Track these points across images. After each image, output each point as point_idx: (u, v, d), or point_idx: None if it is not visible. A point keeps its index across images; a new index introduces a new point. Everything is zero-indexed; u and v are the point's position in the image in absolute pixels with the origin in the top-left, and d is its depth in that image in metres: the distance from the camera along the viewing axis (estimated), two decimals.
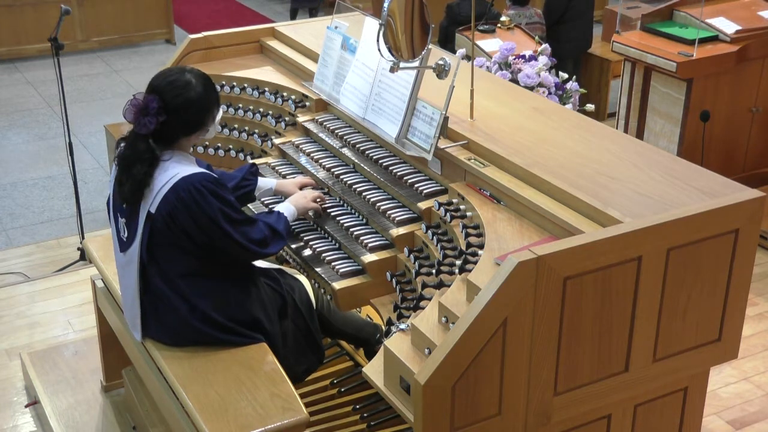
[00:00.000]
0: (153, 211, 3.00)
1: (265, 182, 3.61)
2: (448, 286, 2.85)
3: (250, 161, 4.02)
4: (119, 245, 3.17)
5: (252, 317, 3.17)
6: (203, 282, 3.09)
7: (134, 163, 3.01)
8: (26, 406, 4.15)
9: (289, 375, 3.12)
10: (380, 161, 3.57)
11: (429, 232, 3.18)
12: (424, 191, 3.34)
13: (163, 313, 3.12)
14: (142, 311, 3.15)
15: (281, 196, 3.65)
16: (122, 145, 3.08)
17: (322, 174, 3.73)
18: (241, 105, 4.29)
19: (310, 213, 3.55)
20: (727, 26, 5.69)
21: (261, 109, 4.26)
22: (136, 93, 3.02)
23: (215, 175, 3.08)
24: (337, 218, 3.49)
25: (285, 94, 4.21)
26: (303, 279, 3.44)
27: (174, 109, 3.00)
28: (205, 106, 3.08)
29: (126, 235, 3.11)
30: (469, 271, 2.79)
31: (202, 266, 3.08)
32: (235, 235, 3.04)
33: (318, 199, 3.52)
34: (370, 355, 3.62)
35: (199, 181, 2.99)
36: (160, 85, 3.03)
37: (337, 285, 3.23)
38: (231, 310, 3.13)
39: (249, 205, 3.69)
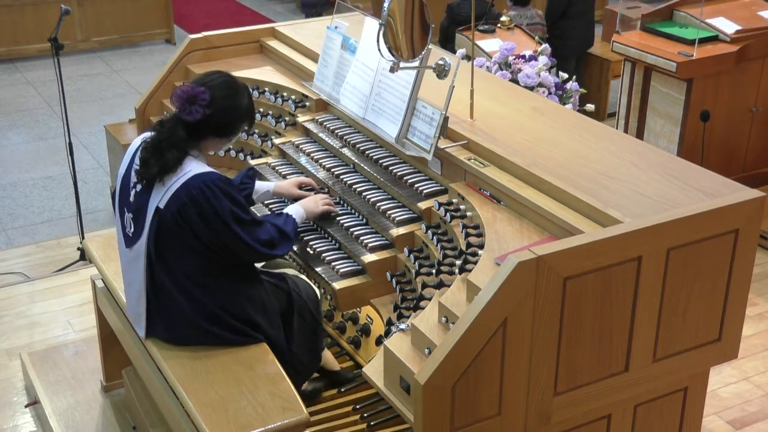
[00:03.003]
0: (162, 206, 3.00)
1: (262, 185, 3.61)
2: (448, 286, 2.85)
3: (250, 161, 4.03)
4: (125, 241, 3.17)
5: (254, 318, 3.17)
6: (209, 280, 3.08)
7: (170, 148, 3.02)
8: (26, 406, 4.14)
9: (302, 374, 3.13)
10: (380, 161, 3.57)
11: (429, 232, 3.18)
12: (424, 191, 3.34)
13: (168, 310, 3.11)
14: (148, 307, 3.14)
15: (280, 198, 3.65)
16: (157, 127, 3.09)
17: (322, 174, 3.73)
18: None
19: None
20: (727, 26, 5.69)
21: (261, 109, 4.26)
22: (188, 81, 3.05)
23: (225, 176, 3.10)
24: (337, 218, 3.49)
25: (285, 94, 4.21)
26: (312, 284, 3.45)
27: (220, 108, 3.06)
28: (244, 116, 3.17)
29: (132, 230, 3.11)
30: (469, 271, 2.79)
31: (208, 265, 3.08)
32: (244, 236, 3.04)
33: (327, 206, 3.52)
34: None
35: (212, 180, 3.00)
36: (215, 82, 3.09)
37: (337, 285, 3.23)
38: (235, 308, 3.12)
39: (252, 208, 3.69)
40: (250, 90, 3.21)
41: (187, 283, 3.06)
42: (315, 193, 3.59)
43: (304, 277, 3.46)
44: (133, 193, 3.10)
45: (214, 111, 3.04)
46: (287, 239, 3.23)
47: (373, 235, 3.36)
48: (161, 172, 3.01)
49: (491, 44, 5.93)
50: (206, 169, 3.05)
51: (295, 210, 3.39)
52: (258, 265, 3.35)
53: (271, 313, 3.22)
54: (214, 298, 3.08)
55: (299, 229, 3.55)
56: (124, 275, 3.25)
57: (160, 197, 3.00)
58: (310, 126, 3.99)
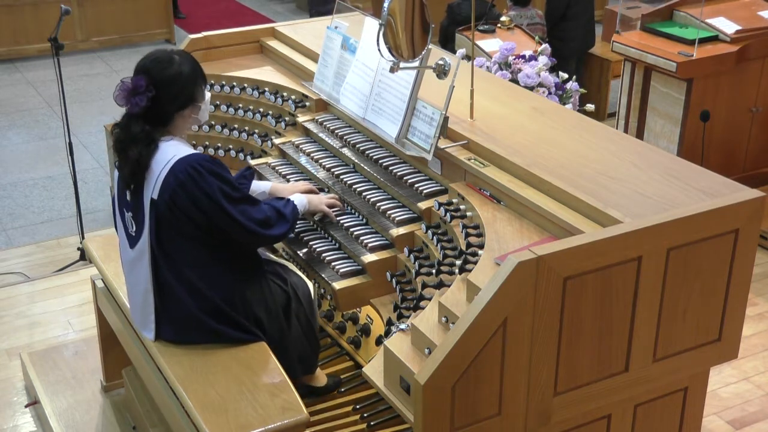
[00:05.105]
0: (155, 197, 3.00)
1: (259, 185, 3.59)
2: (448, 286, 2.85)
3: (250, 162, 4.02)
4: (128, 241, 3.16)
5: (256, 312, 3.17)
6: (211, 273, 3.08)
7: (129, 146, 3.02)
8: (26, 406, 4.15)
9: (291, 371, 3.13)
10: (380, 161, 3.57)
11: (429, 232, 3.18)
12: (424, 191, 3.34)
13: (174, 310, 3.11)
14: (155, 309, 3.13)
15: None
16: (116, 131, 3.08)
17: (322, 174, 3.73)
18: (241, 105, 4.29)
19: (316, 218, 3.54)
20: (727, 26, 5.69)
21: (261, 109, 4.26)
22: (123, 78, 3.04)
23: (211, 156, 3.08)
24: (337, 218, 3.49)
25: (285, 94, 4.21)
26: (306, 279, 3.45)
27: (162, 83, 3.02)
28: (191, 78, 3.10)
29: (134, 228, 3.11)
30: (469, 271, 2.79)
31: (209, 256, 3.08)
32: (235, 214, 3.02)
33: (333, 207, 3.51)
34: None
35: (197, 161, 3.00)
36: (146, 65, 3.07)
37: (338, 285, 3.23)
38: (239, 302, 3.13)
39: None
40: (194, 58, 3.17)
41: (190, 277, 3.05)
42: None
43: (300, 274, 3.45)
44: (128, 192, 3.11)
45: (157, 90, 3.00)
46: (284, 220, 3.21)
47: (373, 235, 3.36)
48: (134, 171, 3.01)
49: (491, 44, 5.93)
50: (190, 151, 3.04)
51: (298, 198, 3.39)
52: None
53: (271, 308, 3.22)
54: (217, 292, 3.08)
55: (299, 229, 3.55)
56: (128, 279, 3.24)
57: (152, 189, 3.01)
58: (310, 126, 3.99)
